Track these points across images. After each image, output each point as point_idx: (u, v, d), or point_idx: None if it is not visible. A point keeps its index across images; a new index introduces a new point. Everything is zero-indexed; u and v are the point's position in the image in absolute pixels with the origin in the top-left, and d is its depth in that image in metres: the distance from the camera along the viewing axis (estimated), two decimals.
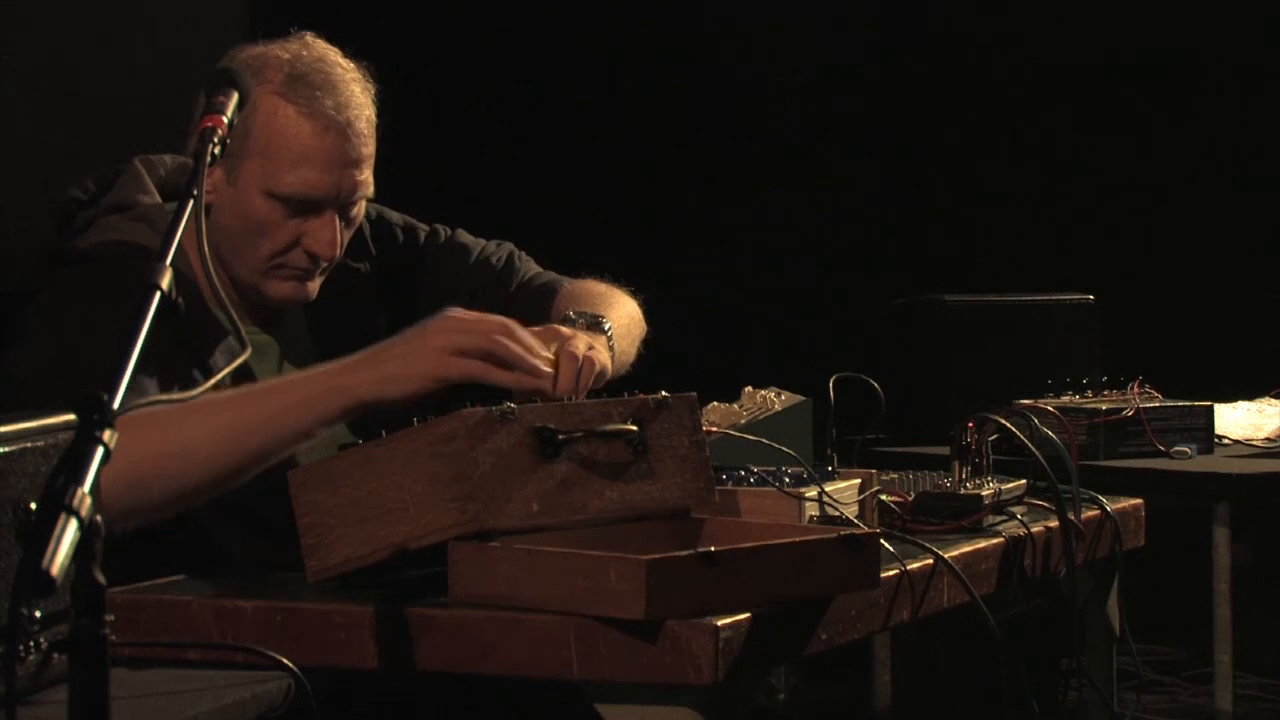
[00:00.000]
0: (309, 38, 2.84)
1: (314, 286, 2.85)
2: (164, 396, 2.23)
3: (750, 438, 2.78)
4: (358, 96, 2.81)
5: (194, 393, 1.95)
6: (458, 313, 2.53)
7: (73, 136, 5.22)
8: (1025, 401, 3.90)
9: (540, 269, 3.14)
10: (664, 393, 2.48)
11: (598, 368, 2.61)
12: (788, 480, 2.63)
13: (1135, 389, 4.16)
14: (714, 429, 2.81)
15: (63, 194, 2.87)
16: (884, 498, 2.79)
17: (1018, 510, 2.93)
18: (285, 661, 2.12)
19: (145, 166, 2.91)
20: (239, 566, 2.61)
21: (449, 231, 3.12)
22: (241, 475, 2.49)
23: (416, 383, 2.47)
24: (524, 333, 2.54)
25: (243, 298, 2.84)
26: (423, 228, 3.10)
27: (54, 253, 2.82)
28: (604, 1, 6.40)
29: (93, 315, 2.63)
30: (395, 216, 3.07)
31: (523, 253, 3.16)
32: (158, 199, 2.86)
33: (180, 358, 2.69)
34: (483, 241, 3.14)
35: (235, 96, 2.36)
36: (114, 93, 5.40)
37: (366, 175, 2.83)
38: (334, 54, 2.84)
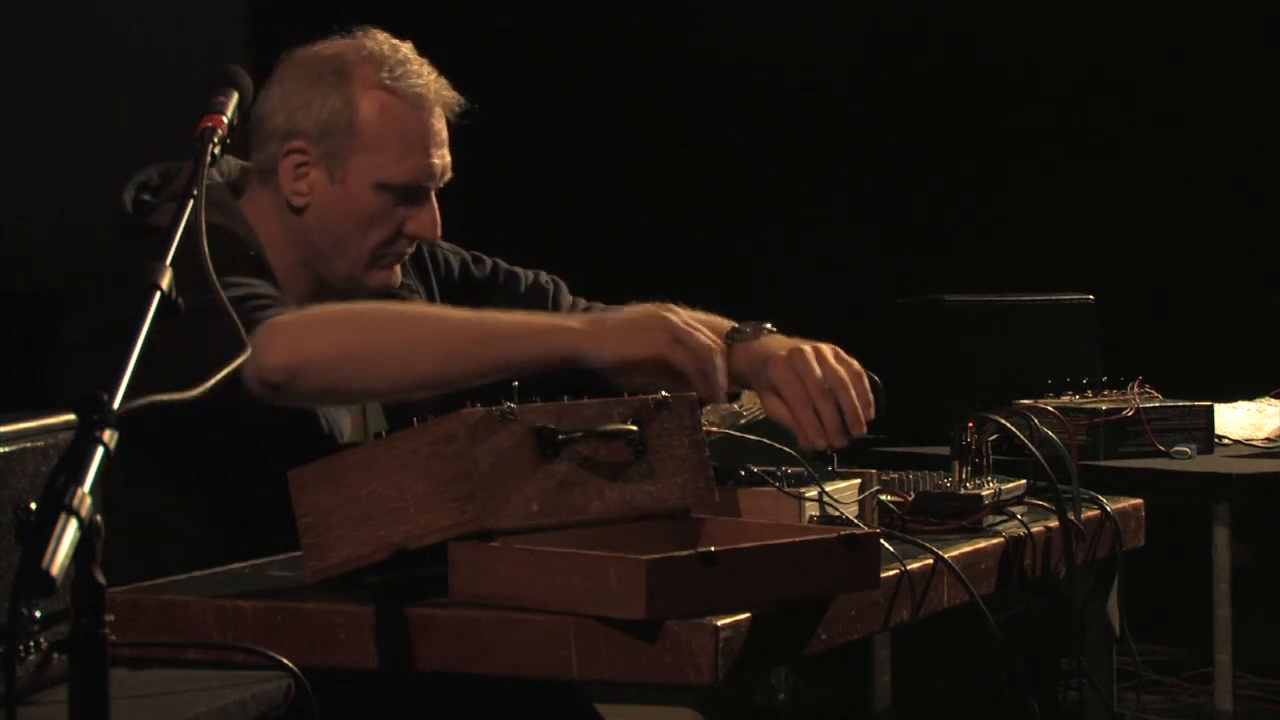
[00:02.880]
0: (371, 30, 2.92)
1: (400, 271, 2.94)
2: (164, 397, 2.23)
3: (750, 438, 2.78)
4: (437, 76, 2.91)
5: (194, 393, 1.94)
6: (683, 312, 2.65)
7: (71, 136, 5.22)
8: (1025, 401, 3.89)
9: (578, 298, 3.21)
10: (664, 393, 2.48)
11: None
12: (788, 480, 2.63)
13: (1135, 389, 4.15)
14: (714, 429, 2.81)
15: (130, 182, 2.90)
16: (884, 498, 2.79)
17: (1018, 510, 2.92)
18: (285, 661, 2.12)
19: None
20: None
21: (490, 259, 3.16)
22: (446, 387, 2.58)
23: (636, 349, 2.58)
24: (723, 361, 2.64)
25: (322, 293, 2.88)
26: (467, 254, 3.16)
27: (128, 227, 2.83)
28: (603, 1, 6.40)
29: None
30: (444, 244, 3.11)
31: (557, 278, 3.23)
32: (219, 179, 2.91)
33: None
34: (521, 269, 3.20)
35: (235, 96, 2.36)
36: (112, 92, 5.40)
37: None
38: (395, 40, 2.92)
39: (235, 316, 2.32)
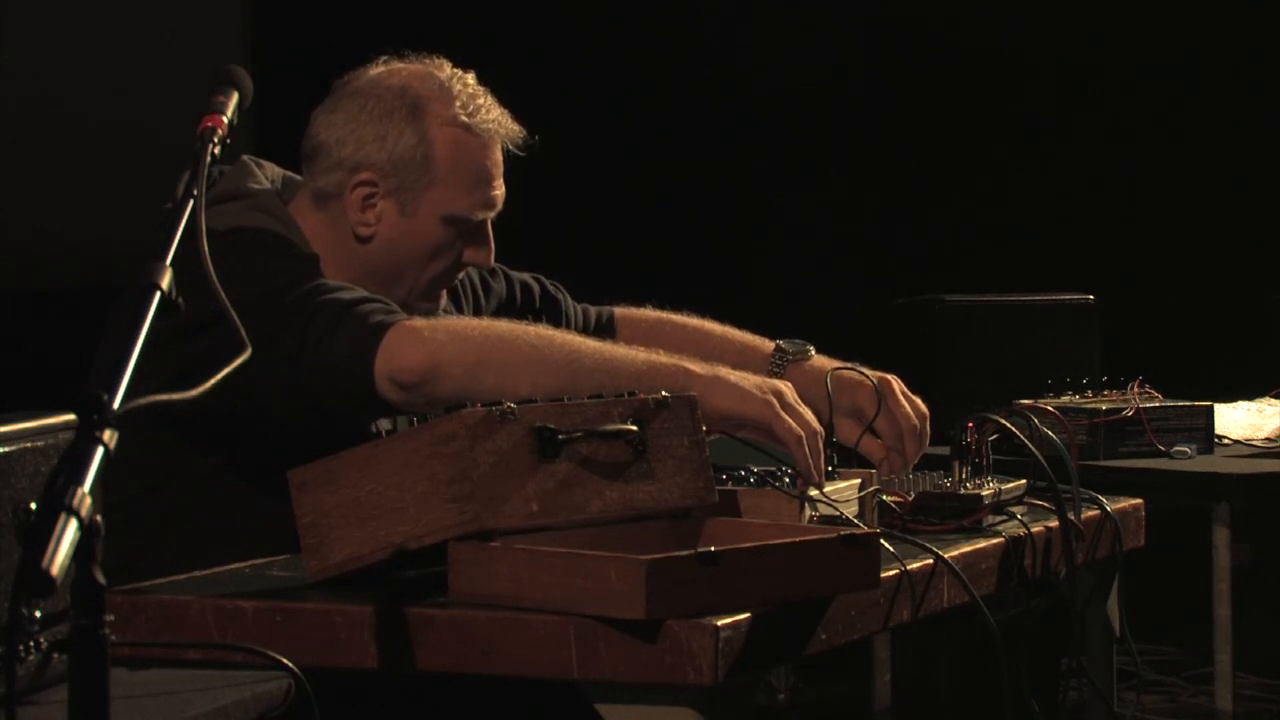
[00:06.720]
0: (436, 59, 2.95)
1: (445, 295, 2.99)
2: (163, 397, 2.23)
3: (751, 439, 2.77)
4: (502, 109, 2.96)
5: (194, 393, 1.94)
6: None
7: (71, 137, 5.23)
8: (1025, 401, 3.89)
9: (583, 304, 3.25)
10: (664, 392, 2.48)
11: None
12: (788, 480, 2.63)
13: (1135, 389, 4.15)
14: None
15: (176, 185, 2.90)
16: (884, 498, 2.79)
17: (1018, 510, 2.92)
18: (285, 661, 2.12)
19: (253, 163, 2.96)
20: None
21: (500, 268, 3.18)
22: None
23: (746, 408, 2.61)
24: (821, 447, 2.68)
25: None
26: (516, 275, 3.20)
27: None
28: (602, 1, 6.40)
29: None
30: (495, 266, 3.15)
31: (559, 286, 3.27)
32: (266, 185, 2.93)
33: None
34: (531, 276, 3.24)
35: (235, 96, 2.36)
36: (112, 92, 5.40)
37: None
38: (460, 70, 2.96)
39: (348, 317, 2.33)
